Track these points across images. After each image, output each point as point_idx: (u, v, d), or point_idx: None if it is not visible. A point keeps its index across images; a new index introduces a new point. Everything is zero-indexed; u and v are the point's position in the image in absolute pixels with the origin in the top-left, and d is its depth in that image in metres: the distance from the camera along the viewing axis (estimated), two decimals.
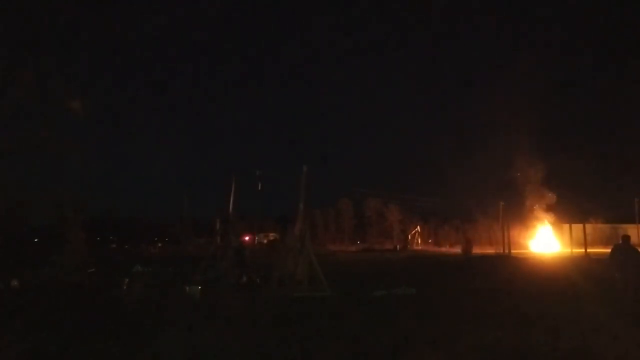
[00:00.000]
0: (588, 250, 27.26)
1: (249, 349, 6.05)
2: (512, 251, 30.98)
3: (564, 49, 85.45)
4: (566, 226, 36.33)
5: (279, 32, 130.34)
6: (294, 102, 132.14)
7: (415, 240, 54.43)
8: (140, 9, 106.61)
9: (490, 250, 36.98)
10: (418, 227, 56.92)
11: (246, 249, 20.32)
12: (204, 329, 7.34)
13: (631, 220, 42.36)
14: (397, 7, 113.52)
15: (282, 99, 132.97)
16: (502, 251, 31.97)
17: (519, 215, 44.01)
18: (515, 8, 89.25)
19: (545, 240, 42.35)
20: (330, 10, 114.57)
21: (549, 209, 44.69)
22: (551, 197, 44.61)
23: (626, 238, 10.90)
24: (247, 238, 47.69)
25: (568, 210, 42.84)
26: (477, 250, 40.66)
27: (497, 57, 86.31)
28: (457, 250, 35.66)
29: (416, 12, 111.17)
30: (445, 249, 44.97)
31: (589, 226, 33.66)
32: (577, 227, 33.24)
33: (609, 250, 11.41)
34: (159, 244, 50.65)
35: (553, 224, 43.89)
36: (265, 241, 55.27)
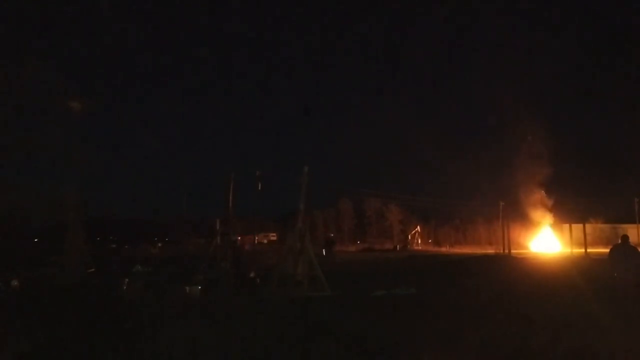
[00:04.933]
0: (588, 250, 27.29)
1: (249, 349, 6.05)
2: (512, 251, 30.98)
3: (564, 49, 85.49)
4: (566, 226, 36.35)
5: (279, 31, 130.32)
6: (294, 101, 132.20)
7: (416, 240, 54.41)
8: (141, 9, 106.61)
9: (490, 250, 37.00)
10: (418, 227, 56.92)
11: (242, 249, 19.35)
12: (204, 329, 7.34)
13: (631, 220, 42.35)
14: (398, 4, 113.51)
15: (282, 98, 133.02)
16: (502, 251, 32.00)
17: (519, 215, 44.07)
18: (517, 8, 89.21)
19: (545, 240, 42.38)
20: (329, 9, 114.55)
21: (549, 209, 44.74)
22: (551, 197, 44.66)
23: (625, 238, 10.92)
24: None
25: (568, 210, 42.91)
26: (477, 250, 40.77)
27: (498, 57, 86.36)
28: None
29: (417, 9, 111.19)
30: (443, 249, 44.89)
31: (589, 226, 33.69)
32: (577, 227, 33.26)
33: (608, 250, 11.42)
34: (159, 244, 50.57)
35: (553, 224, 43.92)
36: (265, 241, 55.28)
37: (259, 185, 33.27)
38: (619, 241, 11.10)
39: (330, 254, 26.00)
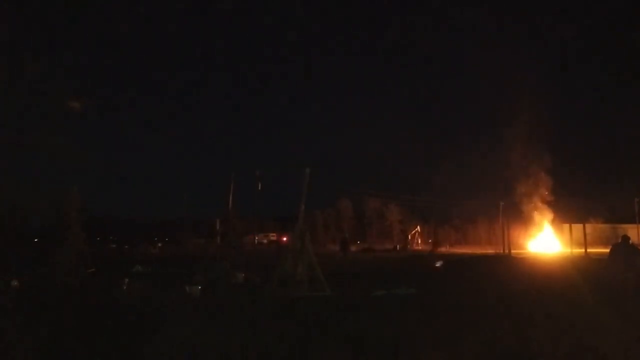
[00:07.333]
0: (588, 250, 27.29)
1: (249, 349, 6.05)
2: (512, 251, 30.95)
3: (565, 50, 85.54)
4: (566, 226, 36.34)
5: (278, 32, 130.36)
6: (294, 101, 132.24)
7: (415, 240, 54.39)
8: (141, 10, 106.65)
9: (490, 250, 37.00)
10: (418, 227, 56.91)
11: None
12: (204, 329, 7.34)
13: (631, 220, 42.39)
14: (397, 6, 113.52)
15: (282, 98, 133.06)
16: (502, 251, 31.97)
17: (519, 215, 44.09)
18: (516, 8, 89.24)
19: (545, 240, 42.37)
20: (329, 10, 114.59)
21: (549, 209, 44.73)
22: (551, 197, 44.66)
23: (625, 237, 10.94)
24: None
25: (568, 210, 42.92)
26: (477, 250, 40.78)
27: (498, 56, 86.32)
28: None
29: (415, 11, 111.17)
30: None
31: (589, 226, 33.69)
32: (577, 227, 33.26)
33: (608, 250, 11.43)
34: (159, 244, 50.57)
35: (553, 224, 43.92)
36: (265, 241, 55.29)
37: (259, 185, 33.40)
38: (619, 240, 11.12)
39: (345, 254, 28.98)
